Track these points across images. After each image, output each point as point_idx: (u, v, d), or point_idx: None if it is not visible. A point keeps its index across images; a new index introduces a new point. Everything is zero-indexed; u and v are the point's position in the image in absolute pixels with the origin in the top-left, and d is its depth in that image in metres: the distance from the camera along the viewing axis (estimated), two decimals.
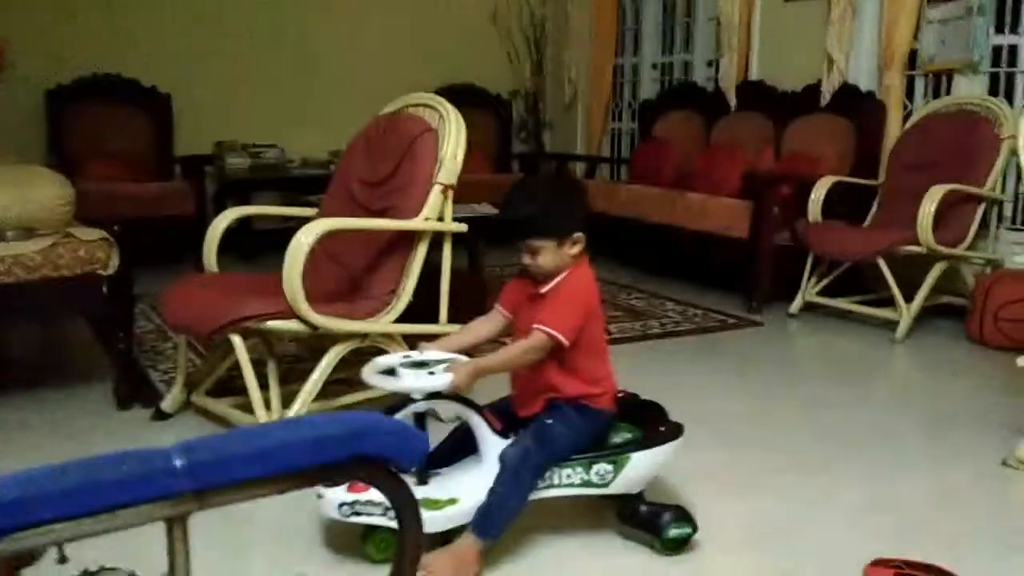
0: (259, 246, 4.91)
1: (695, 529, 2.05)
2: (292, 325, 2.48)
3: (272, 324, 2.48)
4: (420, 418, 1.98)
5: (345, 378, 3.07)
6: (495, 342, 2.20)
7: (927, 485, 2.52)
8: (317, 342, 2.76)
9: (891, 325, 4.06)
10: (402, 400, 1.92)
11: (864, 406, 3.18)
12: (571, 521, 2.15)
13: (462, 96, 6.49)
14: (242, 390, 2.63)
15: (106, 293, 2.80)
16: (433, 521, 1.89)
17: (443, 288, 2.78)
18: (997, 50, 4.35)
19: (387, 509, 1.85)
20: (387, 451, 0.85)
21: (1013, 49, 4.30)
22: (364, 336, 2.65)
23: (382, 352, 2.76)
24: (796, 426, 2.94)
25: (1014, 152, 3.23)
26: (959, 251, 4.06)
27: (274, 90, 6.07)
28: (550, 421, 2.01)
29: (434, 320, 2.81)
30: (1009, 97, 4.23)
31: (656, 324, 4.25)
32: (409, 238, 2.71)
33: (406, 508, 0.88)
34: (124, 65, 5.52)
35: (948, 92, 4.53)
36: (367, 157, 2.89)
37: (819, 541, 2.13)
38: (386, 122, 2.89)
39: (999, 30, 4.33)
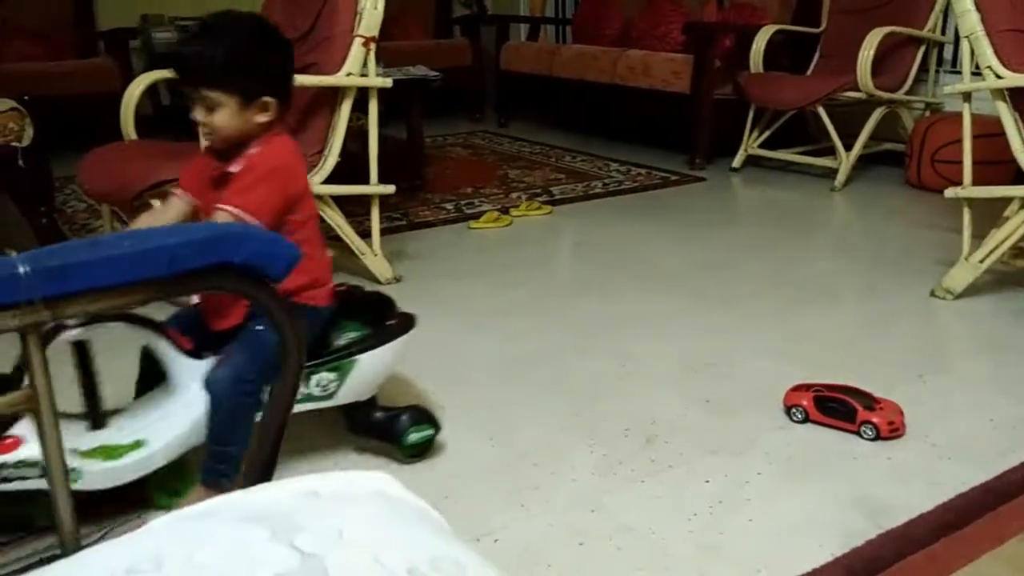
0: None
1: (437, 429, 1.80)
2: None
3: None
4: (82, 353, 1.55)
5: None
6: None
7: (855, 317, 2.59)
8: None
9: (832, 174, 4.08)
10: (55, 327, 1.41)
11: (801, 250, 3.22)
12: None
13: None
14: None
15: (22, 166, 2.70)
16: (115, 473, 1.51)
17: (371, 146, 2.72)
18: None
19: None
20: (254, 259, 0.83)
21: None
22: None
23: None
24: (736, 272, 2.97)
25: None
26: (899, 95, 4.04)
27: None
28: (260, 327, 1.60)
29: (366, 181, 2.77)
30: None
31: (599, 184, 4.23)
32: (333, 96, 2.63)
33: (283, 319, 0.87)
34: None
35: None
36: (284, 12, 2.77)
37: (747, 371, 2.18)
38: None
39: None
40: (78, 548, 0.94)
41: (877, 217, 3.70)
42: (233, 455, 1.57)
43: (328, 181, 2.66)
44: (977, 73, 2.55)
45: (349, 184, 2.74)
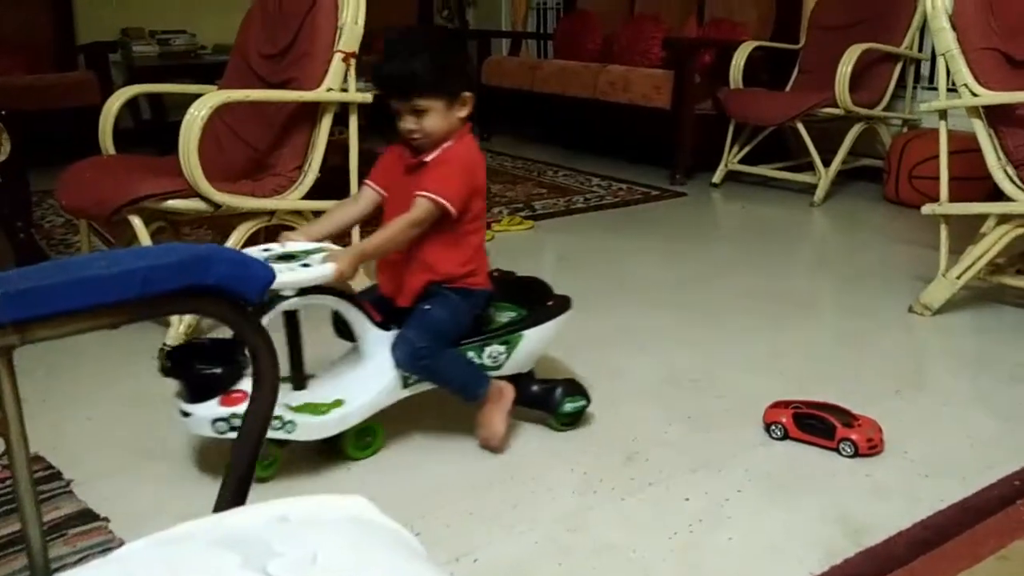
0: (176, 139, 4.72)
1: (588, 401, 1.98)
2: (193, 204, 2.40)
3: (172, 203, 2.40)
4: (292, 322, 1.78)
5: None
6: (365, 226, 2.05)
7: (833, 333, 2.60)
8: (229, 226, 2.69)
9: (811, 190, 4.11)
10: (269, 298, 1.66)
11: (781, 266, 3.24)
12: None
13: None
14: None
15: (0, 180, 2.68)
16: (322, 427, 1.75)
17: (351, 161, 2.71)
18: None
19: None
20: (227, 281, 0.82)
21: None
22: (271, 214, 2.59)
23: (291, 230, 2.71)
24: (717, 287, 2.98)
25: None
26: (876, 112, 4.08)
27: None
28: (427, 307, 1.86)
29: (347, 195, 2.75)
30: None
31: (581, 199, 4.24)
32: (313, 111, 2.62)
33: (256, 341, 0.86)
34: None
35: None
36: (265, 27, 2.77)
37: (728, 387, 2.18)
38: None
39: None
40: (49, 573, 0.93)
41: (856, 233, 3.73)
42: (458, 382, 1.88)
43: (309, 196, 2.65)
44: (953, 90, 2.58)
45: (330, 199, 2.73)
